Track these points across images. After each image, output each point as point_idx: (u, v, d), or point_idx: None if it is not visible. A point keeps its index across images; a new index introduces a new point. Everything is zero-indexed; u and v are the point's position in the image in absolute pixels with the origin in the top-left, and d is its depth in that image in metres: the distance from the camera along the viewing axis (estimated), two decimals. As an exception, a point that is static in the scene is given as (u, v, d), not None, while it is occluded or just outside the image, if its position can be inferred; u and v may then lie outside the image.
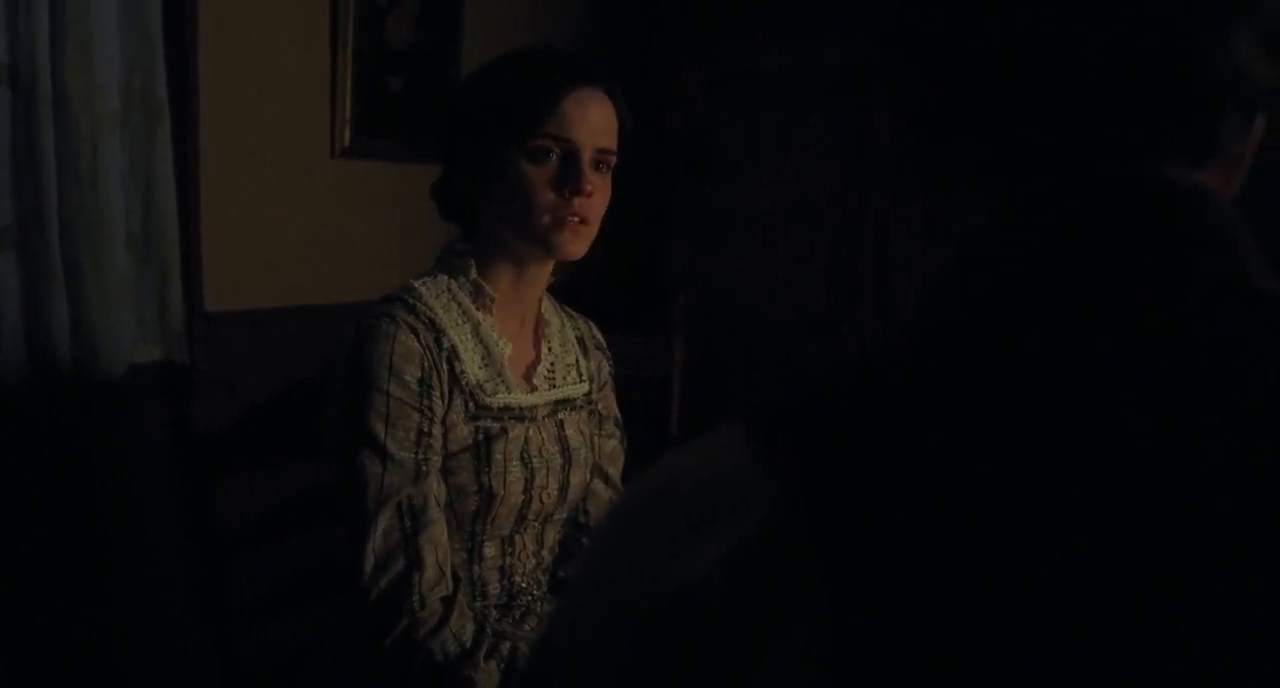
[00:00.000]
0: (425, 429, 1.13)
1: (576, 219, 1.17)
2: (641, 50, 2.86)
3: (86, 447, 1.82)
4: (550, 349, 1.30)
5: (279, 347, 1.93)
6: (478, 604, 1.22)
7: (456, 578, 1.15)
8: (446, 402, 1.15)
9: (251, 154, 2.07)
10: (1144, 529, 0.38)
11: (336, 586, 1.25)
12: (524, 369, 1.26)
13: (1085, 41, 0.44)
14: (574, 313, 1.40)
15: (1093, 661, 0.37)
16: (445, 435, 1.15)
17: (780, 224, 2.76)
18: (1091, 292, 0.43)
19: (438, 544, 1.12)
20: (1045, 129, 0.46)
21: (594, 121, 1.17)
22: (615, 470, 1.39)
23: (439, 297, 1.20)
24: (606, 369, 1.39)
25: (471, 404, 1.17)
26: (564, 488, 1.25)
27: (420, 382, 1.13)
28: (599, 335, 1.41)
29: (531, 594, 1.27)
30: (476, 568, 1.22)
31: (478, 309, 1.22)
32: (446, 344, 1.17)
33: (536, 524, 1.26)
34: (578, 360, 1.33)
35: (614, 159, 1.20)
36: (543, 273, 1.26)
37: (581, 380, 1.32)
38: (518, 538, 1.24)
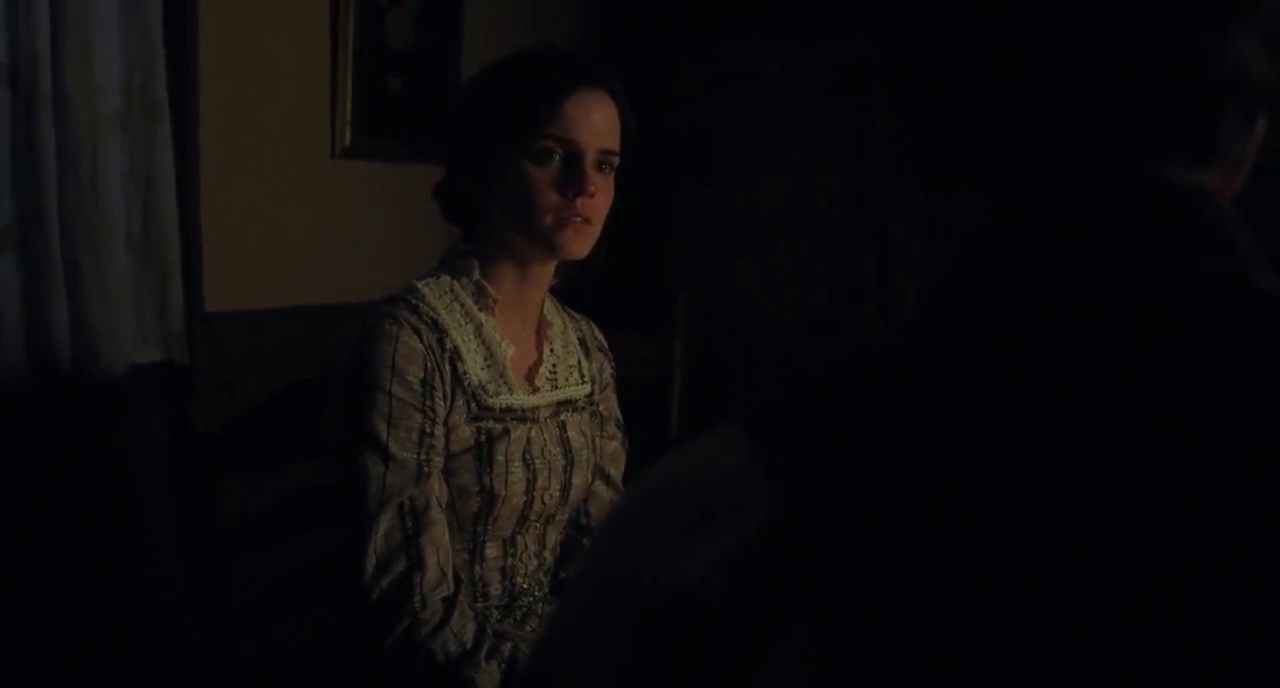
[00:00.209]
0: (427, 430, 1.13)
1: (580, 219, 1.17)
2: (641, 50, 2.86)
3: (86, 447, 1.82)
4: (552, 350, 1.30)
5: (279, 347, 1.93)
6: (479, 605, 1.22)
7: (458, 579, 1.15)
8: (449, 402, 1.15)
9: (251, 154, 2.07)
10: (1144, 529, 0.38)
11: (336, 586, 1.25)
12: (526, 370, 1.26)
13: (1085, 41, 0.44)
14: (576, 314, 1.40)
15: (1093, 661, 0.37)
16: (447, 436, 1.15)
17: (780, 224, 2.76)
18: (1091, 292, 0.43)
19: (439, 545, 1.12)
20: (1045, 129, 0.46)
21: (597, 122, 1.17)
22: (617, 472, 1.39)
23: (442, 297, 1.20)
24: (608, 371, 1.39)
25: (474, 405, 1.17)
26: (566, 489, 1.25)
27: (423, 382, 1.13)
28: (600, 337, 1.41)
29: (533, 595, 1.27)
30: (478, 569, 1.22)
31: (480, 310, 1.22)
32: (449, 345, 1.17)
33: (538, 525, 1.26)
34: (580, 362, 1.33)
35: (616, 160, 1.21)
36: (545, 274, 1.26)
37: (583, 382, 1.32)
38: (519, 539, 1.24)
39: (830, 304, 2.71)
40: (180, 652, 1.73)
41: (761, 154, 2.78)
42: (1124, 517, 0.38)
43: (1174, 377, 0.41)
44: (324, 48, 2.19)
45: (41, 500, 1.76)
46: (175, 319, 1.88)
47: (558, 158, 1.16)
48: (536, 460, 1.21)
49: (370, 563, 1.09)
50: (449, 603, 1.11)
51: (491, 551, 1.22)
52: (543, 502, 1.23)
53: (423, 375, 1.13)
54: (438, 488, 1.14)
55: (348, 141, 2.25)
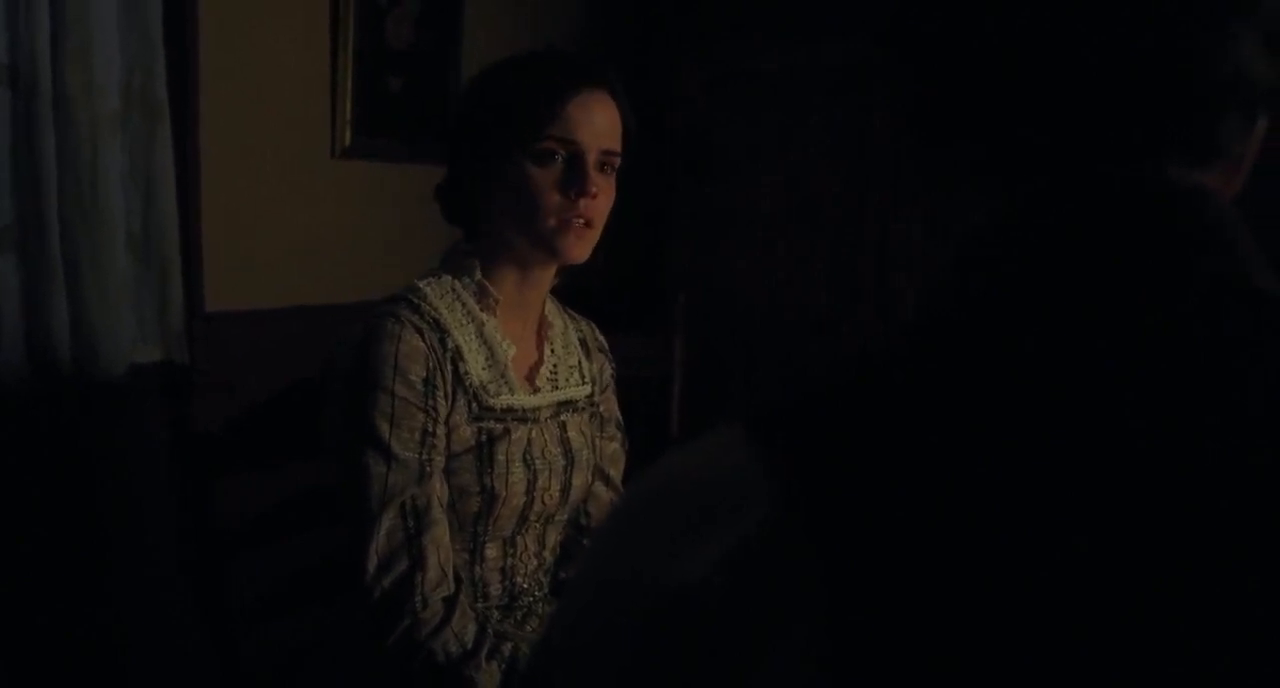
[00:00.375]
0: (429, 429, 1.13)
1: (581, 221, 1.17)
2: (641, 50, 2.86)
3: (86, 447, 1.82)
4: (553, 351, 1.30)
5: (279, 347, 1.93)
6: (479, 605, 1.22)
7: (458, 579, 1.15)
8: (450, 402, 1.16)
9: (251, 154, 2.07)
10: (1144, 529, 0.38)
11: (336, 586, 1.25)
12: (527, 371, 1.26)
13: (1085, 41, 0.44)
14: (576, 315, 1.40)
15: (1093, 661, 0.37)
16: (448, 436, 1.15)
17: (780, 224, 2.76)
18: (1091, 292, 0.43)
19: (440, 545, 1.12)
20: (1045, 129, 0.46)
21: (598, 123, 1.17)
22: (616, 472, 1.39)
23: (444, 297, 1.20)
24: (608, 371, 1.40)
25: (474, 405, 1.17)
26: (566, 490, 1.25)
27: (425, 382, 1.13)
28: (601, 338, 1.41)
29: (533, 595, 1.27)
30: (478, 569, 1.22)
31: (482, 310, 1.22)
32: (451, 344, 1.17)
33: (538, 525, 1.26)
34: (580, 362, 1.33)
35: (618, 160, 1.21)
36: (546, 276, 1.26)
37: (584, 382, 1.32)
38: (519, 539, 1.24)
39: (830, 304, 2.71)
40: (180, 652, 1.73)
41: (761, 154, 2.78)
42: (1124, 517, 0.38)
43: (1174, 377, 0.41)
44: (324, 48, 2.19)
45: (41, 500, 1.76)
46: (175, 319, 1.88)
47: (560, 159, 1.16)
48: (537, 461, 1.21)
49: (372, 563, 1.09)
50: (450, 603, 1.11)
51: (491, 551, 1.22)
52: (543, 502, 1.23)
53: (425, 375, 1.13)
54: (439, 488, 1.14)
55: (348, 141, 2.25)
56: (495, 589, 1.24)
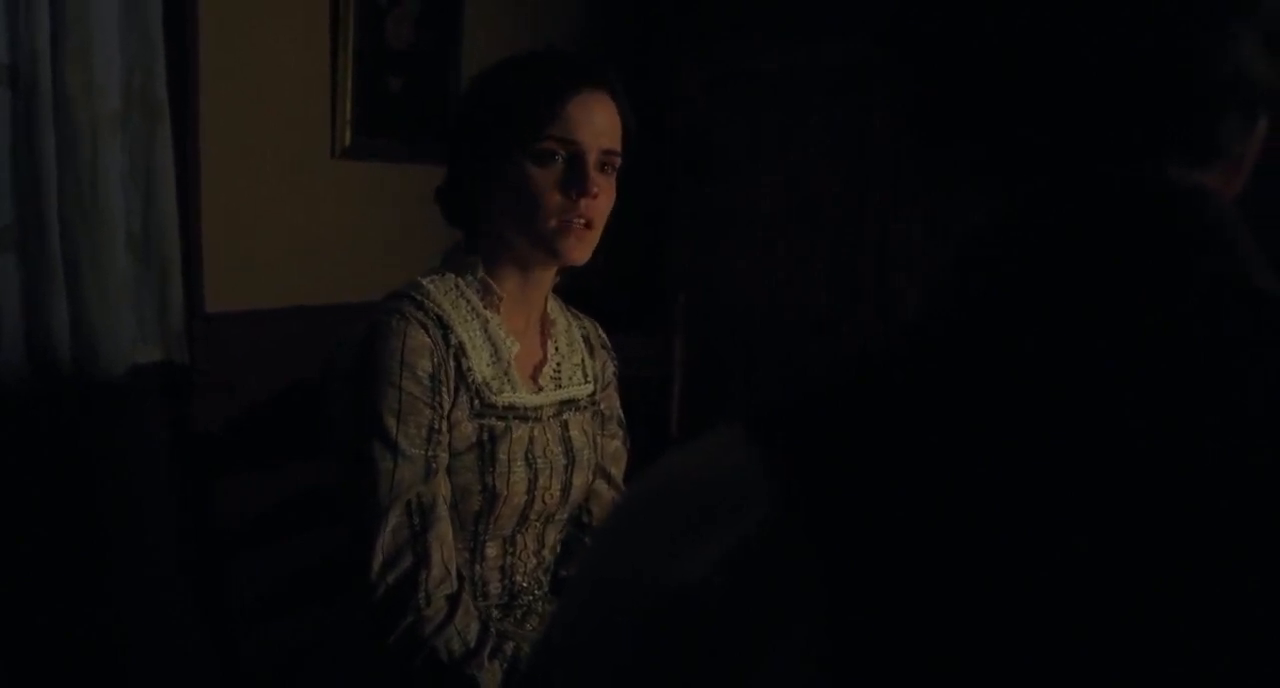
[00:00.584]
0: (435, 426, 1.13)
1: (582, 222, 1.17)
2: (641, 50, 2.86)
3: (86, 447, 1.82)
4: (557, 349, 1.30)
5: (279, 347, 1.93)
6: (480, 604, 1.22)
7: (461, 577, 1.15)
8: (453, 398, 1.16)
9: (251, 154, 2.07)
10: (1144, 529, 0.38)
11: (336, 586, 1.25)
12: (531, 369, 1.26)
13: (1085, 41, 0.44)
14: (579, 313, 1.40)
15: (1093, 661, 0.37)
16: (450, 433, 1.16)
17: (780, 224, 2.76)
18: (1091, 292, 0.43)
19: (444, 542, 1.12)
20: (1045, 129, 0.46)
21: (598, 123, 1.17)
22: (618, 471, 1.39)
23: (448, 294, 1.21)
24: (611, 369, 1.40)
25: (477, 401, 1.17)
26: (566, 489, 1.25)
27: (431, 377, 1.13)
28: (604, 335, 1.41)
29: (533, 594, 1.27)
30: (478, 568, 1.22)
31: (486, 307, 1.22)
32: (454, 341, 1.17)
33: (538, 524, 1.26)
34: (584, 360, 1.33)
35: (618, 160, 1.21)
36: (548, 275, 1.26)
37: (587, 381, 1.33)
38: (519, 538, 1.24)
39: (830, 304, 2.71)
40: (180, 652, 1.73)
41: (761, 154, 2.78)
42: (1124, 517, 0.38)
43: (1174, 377, 0.41)
44: (324, 48, 2.19)
45: (41, 500, 1.76)
46: (175, 319, 1.88)
47: (560, 159, 1.16)
48: (538, 460, 1.21)
49: (377, 559, 1.09)
50: (453, 601, 1.11)
51: (492, 550, 1.22)
52: (543, 501, 1.23)
53: (431, 370, 1.13)
54: (443, 485, 1.14)
55: (348, 141, 2.25)
56: (495, 588, 1.24)
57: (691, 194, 2.88)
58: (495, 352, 1.21)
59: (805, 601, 0.39)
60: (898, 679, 0.38)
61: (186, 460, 1.32)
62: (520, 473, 1.19)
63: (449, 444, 1.15)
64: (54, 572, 1.78)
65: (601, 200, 1.18)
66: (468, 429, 1.17)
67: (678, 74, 2.84)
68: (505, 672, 1.11)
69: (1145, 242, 0.44)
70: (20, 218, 1.68)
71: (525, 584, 1.26)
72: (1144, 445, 0.39)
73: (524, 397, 1.22)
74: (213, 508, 1.33)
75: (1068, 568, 0.38)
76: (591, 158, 1.17)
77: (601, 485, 1.36)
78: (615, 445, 1.39)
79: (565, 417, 1.27)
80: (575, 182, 1.16)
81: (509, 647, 1.13)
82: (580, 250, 1.19)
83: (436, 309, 1.18)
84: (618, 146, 1.20)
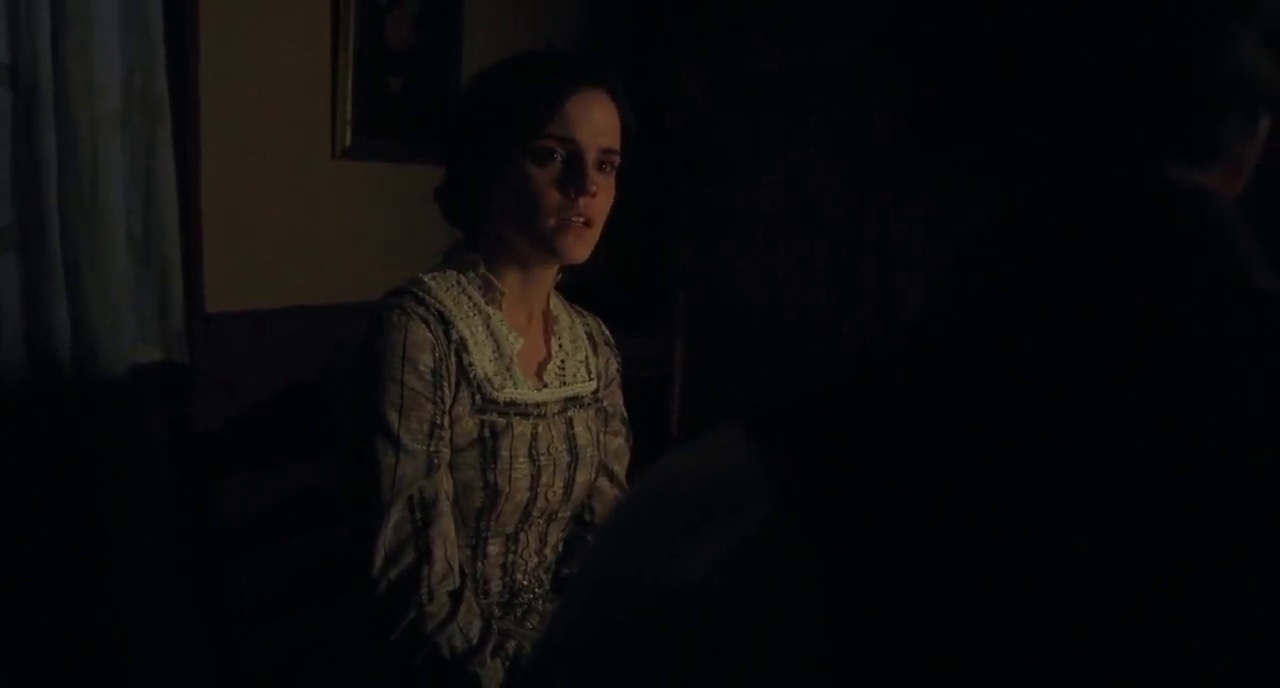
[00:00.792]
0: (437, 421, 1.13)
1: (581, 220, 1.17)
2: (641, 50, 2.86)
3: (86, 447, 1.82)
4: (561, 346, 1.30)
5: (279, 347, 1.93)
6: (481, 601, 1.22)
7: (463, 573, 1.14)
8: (454, 393, 1.16)
9: (251, 154, 2.07)
10: (1144, 529, 0.38)
11: (336, 586, 1.24)
12: (535, 366, 1.26)
13: (1085, 41, 0.44)
14: (583, 310, 1.41)
15: (1093, 661, 0.37)
16: (451, 428, 1.16)
17: (780, 224, 2.76)
18: (1091, 292, 0.43)
19: (447, 538, 1.12)
20: (1045, 129, 0.46)
21: (597, 122, 1.17)
22: (620, 468, 1.39)
23: (449, 290, 1.21)
24: (614, 366, 1.40)
25: (478, 397, 1.18)
26: (569, 486, 1.26)
27: (433, 372, 1.13)
28: (607, 332, 1.42)
29: (533, 592, 1.27)
30: (480, 565, 1.22)
31: (488, 303, 1.22)
32: (455, 336, 1.17)
33: (541, 522, 1.26)
34: (587, 357, 1.34)
35: (617, 159, 1.21)
36: (549, 274, 1.26)
37: (591, 378, 1.33)
38: (522, 535, 1.24)
39: (830, 304, 2.71)
40: (180, 652, 1.73)
41: (761, 154, 2.78)
42: (1124, 517, 0.38)
43: (1174, 377, 0.41)
44: (324, 48, 2.19)
45: (41, 500, 1.76)
46: (175, 319, 1.88)
47: (559, 158, 1.16)
48: (542, 457, 1.21)
49: (379, 555, 1.09)
50: (456, 597, 1.11)
51: (494, 547, 1.22)
52: (546, 499, 1.23)
53: (433, 364, 1.14)
54: (446, 481, 1.14)
55: (348, 142, 2.25)
56: (496, 586, 1.24)
57: (691, 194, 2.88)
58: (498, 347, 1.21)
59: (805, 601, 0.39)
60: (898, 679, 0.38)
61: (186, 460, 1.32)
62: (523, 470, 1.19)
63: (450, 440, 1.15)
64: (54, 572, 1.78)
65: (600, 199, 1.18)
66: (469, 425, 1.17)
67: (678, 74, 2.84)
68: (507, 670, 1.10)
69: (1145, 242, 0.44)
70: (20, 218, 1.68)
71: (526, 583, 1.26)
72: (1144, 445, 0.39)
73: (526, 393, 1.22)
74: (213, 508, 1.33)
75: (1067, 568, 0.38)
76: (590, 156, 1.17)
77: (604, 483, 1.36)
78: (618, 443, 1.39)
79: (570, 414, 1.28)
80: (574, 180, 1.16)
81: (511, 645, 1.12)
82: (579, 249, 1.19)
83: (438, 305, 1.18)
84: (616, 145, 1.20)
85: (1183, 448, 0.39)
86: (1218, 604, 0.37)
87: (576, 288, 1.37)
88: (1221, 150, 0.46)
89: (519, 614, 1.25)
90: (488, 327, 1.21)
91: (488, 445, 1.17)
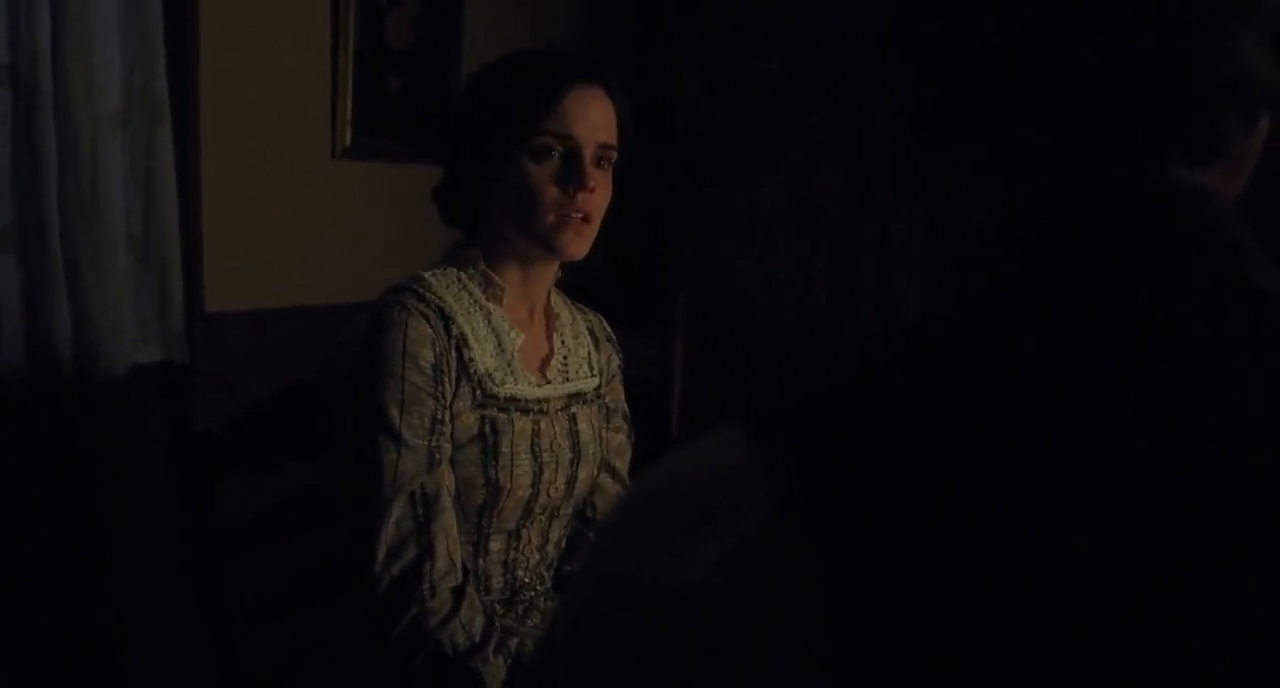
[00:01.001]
0: (439, 416, 1.13)
1: (579, 216, 1.17)
2: (641, 50, 2.86)
3: (86, 447, 1.82)
4: (564, 342, 1.31)
5: (279, 347, 1.93)
6: (482, 598, 1.21)
7: (465, 570, 1.14)
8: (454, 389, 1.16)
9: (251, 154, 2.07)
10: (1144, 529, 0.38)
11: (336, 585, 1.24)
12: (538, 362, 1.27)
13: (1085, 41, 0.44)
14: (584, 307, 1.41)
15: (1093, 661, 0.37)
16: (452, 424, 1.16)
17: (780, 224, 2.76)
18: (1091, 292, 0.43)
19: (449, 534, 1.12)
20: (1045, 129, 0.46)
21: (594, 118, 1.18)
22: (622, 464, 1.39)
23: (450, 287, 1.21)
24: (616, 362, 1.40)
25: (479, 392, 1.18)
26: (571, 482, 1.26)
27: (434, 367, 1.14)
28: (609, 328, 1.42)
29: (535, 590, 1.27)
30: (481, 562, 1.22)
31: (489, 299, 1.22)
32: (455, 332, 1.17)
33: (543, 518, 1.26)
34: (590, 353, 1.34)
35: (615, 155, 1.21)
36: (548, 271, 1.27)
37: (593, 374, 1.33)
38: (523, 532, 1.24)
39: (830, 304, 2.71)
40: (180, 652, 1.73)
41: (761, 154, 2.78)
42: (1124, 517, 0.38)
43: (1174, 377, 0.41)
44: (324, 48, 2.19)
45: (41, 500, 1.76)
46: (175, 319, 1.88)
47: (557, 154, 1.17)
48: (544, 454, 1.21)
49: (381, 551, 1.09)
50: (458, 593, 1.11)
51: (495, 544, 1.22)
52: (548, 495, 1.23)
53: (433, 360, 1.14)
54: (447, 477, 1.14)
55: (348, 141, 2.25)
56: (497, 583, 1.24)
57: (691, 194, 2.88)
58: (499, 343, 1.21)
59: (805, 601, 0.39)
60: (898, 679, 0.38)
61: (186, 460, 1.32)
62: (525, 466, 1.19)
63: (451, 435, 1.15)
64: (54, 572, 1.78)
65: (598, 195, 1.18)
66: (470, 420, 1.17)
67: (678, 74, 2.84)
68: (509, 668, 1.10)
69: (1145, 242, 0.44)
70: (20, 218, 1.68)
71: (528, 580, 1.26)
72: (1144, 445, 0.39)
73: (526, 389, 1.22)
74: (213, 508, 1.33)
75: (1067, 568, 0.38)
76: (588, 152, 1.17)
77: (606, 480, 1.36)
78: (620, 439, 1.39)
79: (573, 410, 1.28)
80: (572, 176, 1.16)
81: (513, 642, 1.12)
82: (578, 245, 1.19)
83: (438, 301, 1.18)
84: (614, 141, 1.20)
85: (1183, 448, 0.39)
86: (1218, 604, 0.37)
87: (577, 287, 1.38)
88: (1222, 150, 0.46)
89: (520, 612, 1.25)
90: (488, 322, 1.21)
91: (489, 441, 1.17)
